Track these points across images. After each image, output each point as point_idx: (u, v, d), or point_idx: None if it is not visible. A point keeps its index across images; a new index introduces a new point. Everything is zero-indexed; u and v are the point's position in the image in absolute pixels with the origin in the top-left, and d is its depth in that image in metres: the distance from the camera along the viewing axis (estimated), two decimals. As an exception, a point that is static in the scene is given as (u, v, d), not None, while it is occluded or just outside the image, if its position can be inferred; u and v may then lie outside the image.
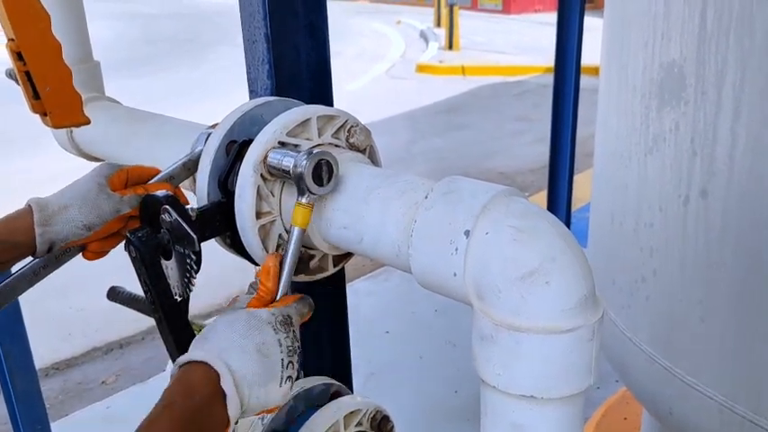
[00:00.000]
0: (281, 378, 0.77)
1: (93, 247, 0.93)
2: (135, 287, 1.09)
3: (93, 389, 3.35)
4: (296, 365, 0.80)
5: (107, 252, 0.96)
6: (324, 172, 0.84)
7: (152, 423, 0.67)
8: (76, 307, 4.01)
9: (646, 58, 1.51)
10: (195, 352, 0.75)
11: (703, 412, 1.48)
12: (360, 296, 3.91)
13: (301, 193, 0.84)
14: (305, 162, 0.82)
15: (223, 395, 0.71)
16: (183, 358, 0.75)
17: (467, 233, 0.72)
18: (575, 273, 0.68)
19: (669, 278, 1.53)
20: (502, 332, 0.69)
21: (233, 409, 0.72)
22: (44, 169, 5.99)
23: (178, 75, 10.61)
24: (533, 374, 0.68)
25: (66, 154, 1.57)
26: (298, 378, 1.05)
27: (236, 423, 1.10)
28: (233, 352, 0.74)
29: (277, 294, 0.84)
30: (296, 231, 0.85)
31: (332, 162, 0.84)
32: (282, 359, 0.77)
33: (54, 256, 0.91)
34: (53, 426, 2.24)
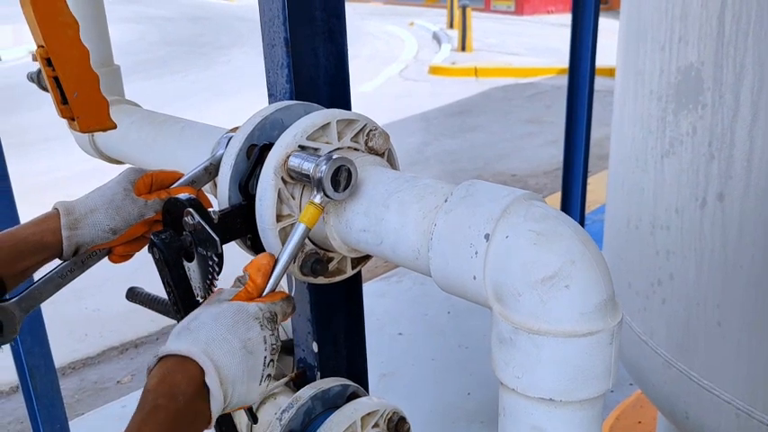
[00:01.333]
0: (263, 376, 0.76)
1: (118, 250, 0.95)
2: (150, 289, 1.10)
3: (109, 388, 3.39)
4: (275, 364, 0.78)
5: (132, 255, 0.98)
6: (343, 177, 0.85)
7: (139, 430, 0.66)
8: (92, 308, 4.06)
9: (662, 62, 1.51)
10: (179, 344, 0.72)
11: (720, 416, 1.48)
12: (373, 298, 3.92)
13: (317, 189, 0.84)
14: (324, 167, 0.83)
15: (206, 391, 0.70)
16: (164, 350, 0.72)
17: (487, 237, 0.72)
18: (594, 276, 0.69)
19: (686, 281, 1.52)
20: (521, 335, 0.69)
21: (216, 405, 0.71)
22: (62, 171, 6.06)
23: (194, 77, 10.69)
24: (553, 377, 0.69)
25: (86, 156, 1.60)
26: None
27: (255, 423, 1.11)
28: (219, 346, 0.72)
29: (264, 291, 0.81)
30: (300, 228, 0.84)
31: (351, 168, 0.85)
32: (266, 357, 0.76)
33: (80, 260, 0.92)
34: (69, 424, 2.26)
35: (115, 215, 0.92)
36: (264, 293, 0.81)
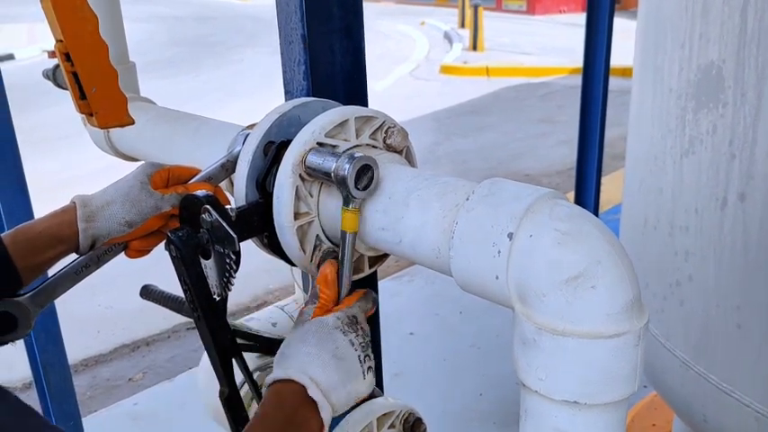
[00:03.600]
0: (363, 372, 0.82)
1: (134, 245, 0.94)
2: (162, 286, 1.10)
3: (121, 386, 3.40)
4: (371, 356, 0.85)
5: (149, 251, 0.97)
6: (366, 176, 0.84)
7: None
8: (105, 305, 4.07)
9: (682, 60, 1.49)
10: (278, 371, 0.79)
11: (739, 420, 1.46)
12: (384, 297, 3.89)
13: (346, 200, 0.85)
14: (348, 166, 0.81)
15: (313, 402, 0.76)
16: (269, 379, 0.80)
17: (510, 236, 0.71)
18: (621, 277, 0.67)
19: (705, 283, 1.50)
20: (545, 336, 0.68)
21: (325, 413, 0.77)
22: (75, 169, 6.10)
23: (206, 76, 10.72)
24: (577, 380, 0.67)
25: (99, 154, 1.59)
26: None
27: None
28: (312, 363, 0.79)
29: (338, 299, 0.87)
30: (348, 237, 0.87)
31: (373, 166, 0.84)
32: (359, 356, 0.82)
33: (96, 255, 0.92)
34: (82, 421, 2.27)
35: (131, 208, 0.91)
36: (340, 300, 0.87)
